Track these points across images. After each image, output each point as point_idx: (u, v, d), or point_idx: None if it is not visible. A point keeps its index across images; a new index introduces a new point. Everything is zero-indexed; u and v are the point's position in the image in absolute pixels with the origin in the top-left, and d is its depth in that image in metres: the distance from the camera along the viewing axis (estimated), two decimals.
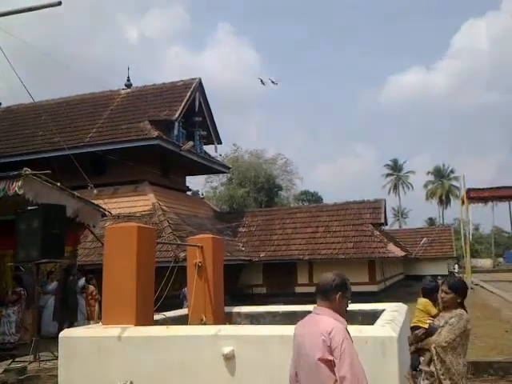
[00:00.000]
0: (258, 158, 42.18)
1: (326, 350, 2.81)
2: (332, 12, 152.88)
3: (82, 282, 12.48)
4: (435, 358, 4.26)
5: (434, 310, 5.73)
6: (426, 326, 5.03)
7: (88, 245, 16.65)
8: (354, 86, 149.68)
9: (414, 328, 5.76)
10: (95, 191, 13.63)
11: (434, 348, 4.28)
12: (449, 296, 4.41)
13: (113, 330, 5.68)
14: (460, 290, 4.46)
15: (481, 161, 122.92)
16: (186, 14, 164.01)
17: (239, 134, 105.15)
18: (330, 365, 2.81)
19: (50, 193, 9.99)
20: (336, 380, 2.78)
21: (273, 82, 24.92)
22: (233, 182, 40.53)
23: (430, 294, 5.97)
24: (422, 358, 4.74)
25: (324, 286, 3.11)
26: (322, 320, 2.97)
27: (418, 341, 4.85)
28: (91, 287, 12.45)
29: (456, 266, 46.94)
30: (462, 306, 4.45)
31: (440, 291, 4.52)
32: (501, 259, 63.40)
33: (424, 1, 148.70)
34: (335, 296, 3.04)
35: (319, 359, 2.82)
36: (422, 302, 6.13)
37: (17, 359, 8.79)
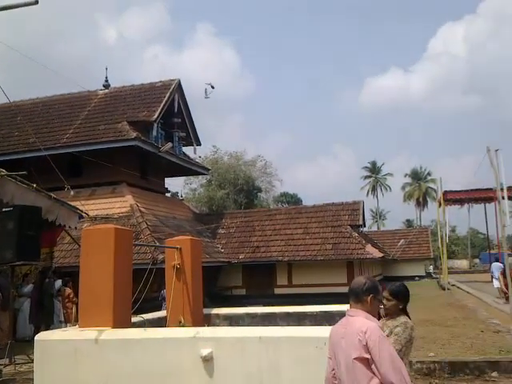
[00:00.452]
0: (238, 159, 42.17)
1: (362, 348, 2.94)
2: (312, 13, 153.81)
3: (58, 284, 12.30)
4: None
5: None
6: None
7: (65, 247, 16.42)
8: (333, 87, 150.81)
9: None
10: (72, 192, 13.44)
11: None
12: (390, 303, 4.30)
13: (89, 333, 5.62)
14: (401, 295, 4.36)
15: (457, 163, 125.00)
16: (167, 14, 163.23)
17: (218, 136, 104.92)
18: (367, 363, 2.93)
19: (26, 194, 9.82)
20: (372, 377, 2.90)
21: (212, 87, 25.85)
22: (212, 183, 40.44)
23: None
24: None
25: (356, 290, 3.27)
26: (356, 321, 3.11)
27: None
28: (68, 290, 12.29)
29: (431, 267, 47.63)
30: (404, 312, 4.34)
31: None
32: (477, 260, 64.37)
33: (401, 3, 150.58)
34: (367, 298, 3.19)
35: (356, 358, 2.95)
36: None
37: None
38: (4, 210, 8.71)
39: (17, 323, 10.98)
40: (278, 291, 22.73)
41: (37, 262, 9.94)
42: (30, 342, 8.50)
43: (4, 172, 9.25)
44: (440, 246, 28.06)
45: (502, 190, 13.53)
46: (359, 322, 3.06)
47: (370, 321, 3.09)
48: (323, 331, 5.05)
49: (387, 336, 3.93)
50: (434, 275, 40.99)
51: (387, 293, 4.34)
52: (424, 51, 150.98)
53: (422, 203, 73.91)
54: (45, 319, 11.32)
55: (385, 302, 4.26)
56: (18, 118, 21.22)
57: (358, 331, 2.98)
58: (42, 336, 5.97)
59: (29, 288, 11.68)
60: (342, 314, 7.56)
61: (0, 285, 10.89)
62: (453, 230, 67.44)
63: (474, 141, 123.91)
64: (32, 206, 9.28)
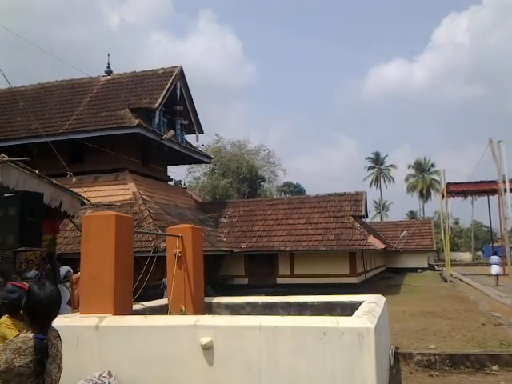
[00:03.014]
0: (241, 148, 42.10)
1: None
2: (317, 2, 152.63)
3: (64, 270, 12.31)
4: None
5: (12, 332, 3.89)
6: None
7: (68, 233, 16.45)
8: (337, 76, 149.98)
9: None
10: (74, 179, 13.43)
11: None
12: None
13: (90, 320, 5.62)
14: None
15: (461, 155, 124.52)
16: (169, 0, 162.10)
17: (221, 124, 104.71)
18: None
19: (28, 180, 9.79)
20: None
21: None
22: (215, 172, 40.42)
23: (13, 308, 4.06)
24: None
25: None
26: None
27: None
28: (76, 275, 12.27)
29: (431, 260, 47.64)
30: (35, 325, 2.92)
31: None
32: (480, 253, 64.38)
33: None
34: None
35: None
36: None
37: None
38: (6, 195, 8.69)
39: None
40: (279, 281, 22.76)
41: (39, 248, 9.92)
42: None
43: (6, 158, 9.21)
44: (443, 238, 28.04)
45: (504, 182, 13.45)
46: None
47: None
48: (323, 321, 5.05)
49: None
50: (436, 267, 40.98)
51: None
52: (428, 41, 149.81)
53: (425, 195, 73.75)
54: None
55: None
56: (19, 103, 21.16)
57: None
58: None
59: (32, 273, 11.67)
60: (342, 305, 7.57)
61: (2, 270, 10.92)
62: (456, 223, 67.40)
63: (479, 132, 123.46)
64: (34, 192, 9.25)
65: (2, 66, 11.22)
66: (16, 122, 21.24)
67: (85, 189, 15.03)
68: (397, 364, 7.88)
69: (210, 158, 29.17)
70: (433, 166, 74.85)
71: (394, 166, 77.58)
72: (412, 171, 76.95)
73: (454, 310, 14.44)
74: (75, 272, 11.93)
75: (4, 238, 8.54)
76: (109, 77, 24.00)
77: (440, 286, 23.92)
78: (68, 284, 12.17)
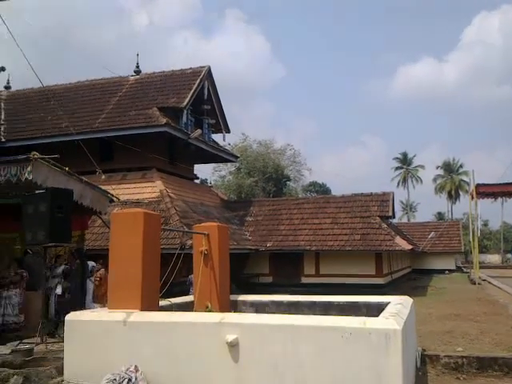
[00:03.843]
0: (267, 148, 42.08)
1: None
2: (343, 3, 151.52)
3: (90, 265, 12.53)
4: None
5: None
6: None
7: (96, 230, 16.71)
8: (364, 76, 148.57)
9: None
10: (103, 177, 13.66)
11: None
12: None
13: (118, 315, 5.71)
14: None
15: (491, 156, 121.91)
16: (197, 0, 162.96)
17: (247, 123, 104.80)
18: None
19: (58, 177, 9.99)
20: None
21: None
22: (241, 171, 40.49)
23: None
24: None
25: None
26: None
27: None
28: (101, 271, 12.48)
29: (459, 262, 46.77)
30: None
31: None
32: (509, 255, 63.01)
33: None
34: None
35: None
36: None
37: (24, 341, 8.88)
38: (37, 192, 8.89)
39: (49, 303, 11.22)
40: (304, 280, 22.68)
41: (68, 244, 10.12)
42: (61, 321, 8.71)
43: (38, 155, 9.41)
44: (471, 239, 27.55)
45: None
46: None
47: None
48: (350, 322, 5.02)
49: None
50: (464, 269, 40.27)
51: None
52: (458, 41, 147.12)
53: (453, 196, 72.55)
54: (72, 300, 11.59)
55: None
56: (51, 102, 21.58)
57: None
58: (72, 316, 6.10)
59: (61, 269, 11.90)
60: (368, 305, 7.51)
61: (28, 265, 11.17)
62: (485, 224, 66.20)
63: (508, 132, 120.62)
64: (64, 188, 9.45)
65: (34, 65, 11.47)
66: (47, 121, 21.68)
67: (113, 186, 15.27)
68: (423, 366, 7.79)
69: (237, 157, 29.25)
70: (461, 166, 73.65)
71: (421, 167, 76.55)
72: (440, 172, 75.86)
73: (482, 312, 14.17)
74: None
75: (35, 234, 8.76)
76: (137, 76, 24.28)
77: (468, 289, 23.49)
78: (93, 279, 12.39)
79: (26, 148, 14.43)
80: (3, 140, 20.97)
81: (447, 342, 9.59)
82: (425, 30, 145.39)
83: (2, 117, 23.03)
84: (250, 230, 23.73)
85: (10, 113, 23.38)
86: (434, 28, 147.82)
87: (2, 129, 21.98)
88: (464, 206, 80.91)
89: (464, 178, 69.05)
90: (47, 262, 10.50)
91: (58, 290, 11.57)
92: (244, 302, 8.08)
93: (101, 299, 11.84)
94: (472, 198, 27.26)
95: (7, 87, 25.90)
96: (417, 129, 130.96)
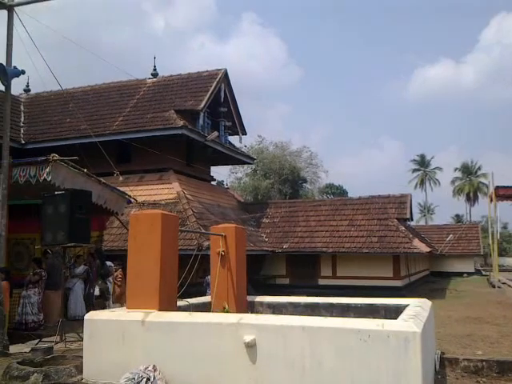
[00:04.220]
0: (283, 149, 42.08)
1: None
2: (359, 5, 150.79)
3: (108, 265, 12.67)
4: None
5: None
6: None
7: (114, 231, 16.88)
8: (380, 78, 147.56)
9: None
10: (121, 178, 13.78)
11: None
12: None
13: (136, 315, 5.75)
14: None
15: (510, 157, 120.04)
16: (213, 3, 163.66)
17: (263, 125, 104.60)
18: None
19: (77, 179, 10.12)
20: None
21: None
22: (257, 173, 40.54)
23: None
24: None
25: None
26: None
27: None
28: (119, 271, 12.60)
29: (478, 265, 46.16)
30: None
31: None
32: None
33: None
34: None
35: None
36: None
37: (43, 339, 9.00)
38: (56, 193, 9.01)
39: (68, 302, 11.36)
40: (321, 282, 22.59)
41: (87, 244, 10.24)
42: (79, 320, 8.81)
43: (57, 157, 9.54)
44: (490, 242, 27.21)
45: None
46: None
47: None
48: (368, 324, 4.99)
49: None
50: (483, 272, 39.76)
51: None
52: (476, 42, 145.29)
53: (472, 198, 71.61)
54: (90, 299, 11.75)
55: None
56: (69, 105, 21.87)
57: None
58: (91, 315, 6.16)
59: (81, 269, 12.06)
60: (386, 308, 7.46)
61: (48, 265, 11.32)
62: (504, 227, 65.22)
63: None
64: (83, 190, 9.56)
65: (54, 68, 11.60)
66: (66, 123, 21.96)
67: (131, 187, 15.40)
68: (442, 369, 7.69)
69: (253, 159, 29.27)
70: (479, 168, 72.68)
71: (439, 169, 75.72)
72: (458, 174, 74.98)
73: (502, 316, 13.98)
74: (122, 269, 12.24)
75: (54, 234, 8.88)
76: (155, 79, 24.47)
77: (487, 292, 23.19)
78: (111, 279, 12.52)
79: (46, 150, 14.65)
80: (23, 142, 21.27)
81: (466, 346, 9.47)
82: (442, 32, 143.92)
83: (22, 119, 23.38)
84: (266, 232, 23.73)
85: (30, 115, 23.73)
86: (452, 30, 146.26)
87: (22, 131, 22.32)
88: (482, 208, 79.92)
89: (483, 180, 68.16)
90: (66, 262, 10.63)
91: (96, 291, 11.83)
92: (261, 303, 8.08)
93: (119, 299, 11.98)
94: (491, 200, 26.91)
95: (26, 90, 26.31)
96: (434, 130, 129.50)
